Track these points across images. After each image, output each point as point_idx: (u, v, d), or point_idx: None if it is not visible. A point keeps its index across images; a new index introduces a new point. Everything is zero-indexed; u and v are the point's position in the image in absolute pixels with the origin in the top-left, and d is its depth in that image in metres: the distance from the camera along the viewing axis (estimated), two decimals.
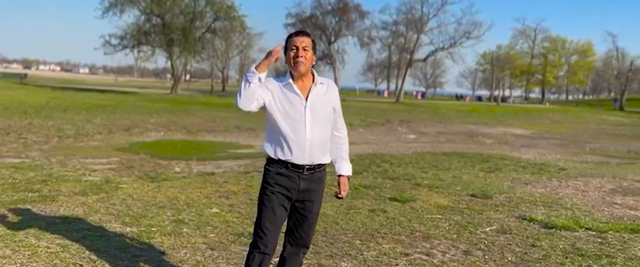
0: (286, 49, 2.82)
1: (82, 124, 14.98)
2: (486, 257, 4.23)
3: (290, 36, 2.83)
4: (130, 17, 46.01)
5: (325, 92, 2.84)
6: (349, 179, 3.04)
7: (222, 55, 49.40)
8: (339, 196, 3.01)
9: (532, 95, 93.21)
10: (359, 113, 30.60)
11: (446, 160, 11.29)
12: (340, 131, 2.99)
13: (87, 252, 3.96)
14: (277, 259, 3.09)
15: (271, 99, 2.77)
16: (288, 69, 2.84)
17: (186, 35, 33.05)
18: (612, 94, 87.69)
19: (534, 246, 4.58)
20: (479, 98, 79.36)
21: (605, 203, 6.84)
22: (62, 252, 3.93)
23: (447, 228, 5.15)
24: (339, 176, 3.01)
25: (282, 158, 2.78)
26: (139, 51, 34.85)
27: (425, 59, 53.71)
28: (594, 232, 5.11)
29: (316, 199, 2.89)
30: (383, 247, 4.40)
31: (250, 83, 2.67)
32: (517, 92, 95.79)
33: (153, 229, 4.69)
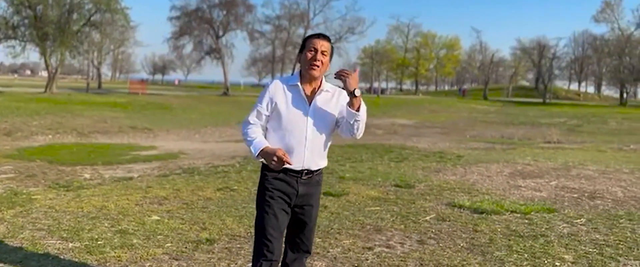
0: (303, 48, 2.76)
1: None
2: (441, 245, 4.50)
3: (310, 37, 2.76)
4: None
5: (330, 100, 2.80)
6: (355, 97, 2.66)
7: (99, 50, 46.18)
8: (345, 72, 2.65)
9: (404, 87, 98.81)
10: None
11: (355, 152, 11.68)
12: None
13: None
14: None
15: (273, 107, 2.74)
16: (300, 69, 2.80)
17: (62, 29, 30.25)
18: (468, 85, 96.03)
19: (476, 231, 4.94)
20: None
21: (513, 187, 7.54)
22: None
23: (391, 219, 5.37)
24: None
25: None
26: (6, 46, 31.32)
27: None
28: (519, 215, 5.63)
29: (315, 203, 2.88)
30: (344, 243, 4.50)
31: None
32: (391, 84, 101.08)
33: (99, 242, 4.36)
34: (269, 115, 2.76)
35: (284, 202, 2.76)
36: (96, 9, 31.86)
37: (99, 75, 54.51)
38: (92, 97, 29.85)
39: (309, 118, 2.71)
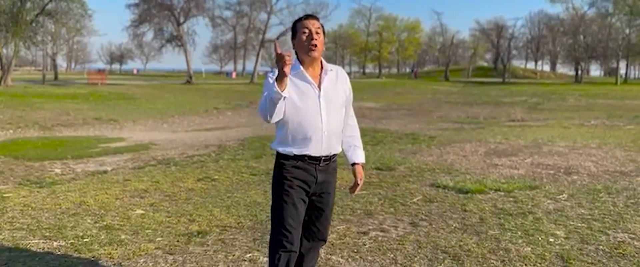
0: (295, 33, 2.67)
1: None
2: (434, 226, 4.52)
3: (300, 20, 2.68)
4: None
5: (336, 80, 2.73)
6: (363, 167, 2.94)
7: (55, 40, 44.35)
8: (358, 183, 2.87)
9: (367, 70, 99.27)
10: (218, 96, 29.98)
11: None
12: (351, 119, 2.90)
13: None
14: None
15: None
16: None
17: (15, 18, 28.87)
18: (431, 66, 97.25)
19: (465, 211, 4.99)
20: None
21: (490, 165, 7.66)
22: None
23: (380, 203, 5.37)
24: (353, 164, 2.89)
25: (298, 153, 2.64)
26: None
27: (277, 39, 54.10)
28: (503, 193, 5.72)
29: (332, 190, 2.81)
30: (338, 229, 4.46)
31: (276, 104, 2.49)
32: (354, 68, 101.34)
33: (85, 240, 4.19)
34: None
35: (303, 191, 2.69)
36: None
37: (55, 66, 52.47)
38: (50, 89, 28.80)
39: (321, 102, 2.64)
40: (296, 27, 2.68)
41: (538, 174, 6.91)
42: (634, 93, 35.51)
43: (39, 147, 10.54)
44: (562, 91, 39.20)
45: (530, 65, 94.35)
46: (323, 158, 2.69)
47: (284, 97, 2.48)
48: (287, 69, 2.40)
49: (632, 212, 4.86)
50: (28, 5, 30.21)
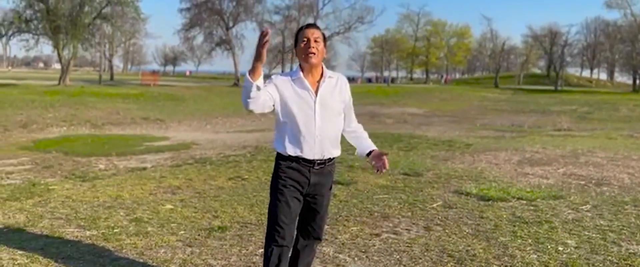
0: (296, 41, 2.85)
1: None
2: (447, 231, 4.61)
3: (301, 29, 2.86)
4: (8, 2, 41.43)
5: (335, 86, 2.89)
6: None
7: (111, 42, 46.43)
8: (384, 168, 2.89)
9: (415, 75, 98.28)
10: None
11: None
12: (352, 125, 3.04)
13: (60, 261, 3.75)
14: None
15: (280, 97, 2.80)
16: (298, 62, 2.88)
17: (74, 21, 30.60)
18: (480, 73, 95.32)
19: (482, 217, 5.04)
20: (369, 80, 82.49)
21: (520, 174, 7.61)
22: (32, 263, 3.69)
23: (399, 207, 5.48)
24: (370, 152, 2.96)
25: (293, 154, 2.82)
26: (20, 40, 31.80)
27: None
28: (525, 201, 5.72)
29: (326, 192, 2.97)
30: (352, 230, 4.62)
31: (250, 95, 2.63)
32: (402, 73, 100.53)
33: (115, 230, 4.52)
34: (270, 94, 2.75)
35: (296, 190, 2.86)
36: (107, 2, 32.10)
37: (111, 67, 54.87)
38: (104, 89, 30.16)
39: (316, 108, 2.81)
40: (297, 36, 2.86)
41: (567, 184, 6.82)
42: None
43: (88, 144, 11.17)
44: (615, 101, 37.72)
45: (586, 73, 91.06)
46: (317, 161, 2.85)
47: (257, 87, 2.61)
48: (262, 52, 2.53)
49: None
50: (86, 9, 31.84)
